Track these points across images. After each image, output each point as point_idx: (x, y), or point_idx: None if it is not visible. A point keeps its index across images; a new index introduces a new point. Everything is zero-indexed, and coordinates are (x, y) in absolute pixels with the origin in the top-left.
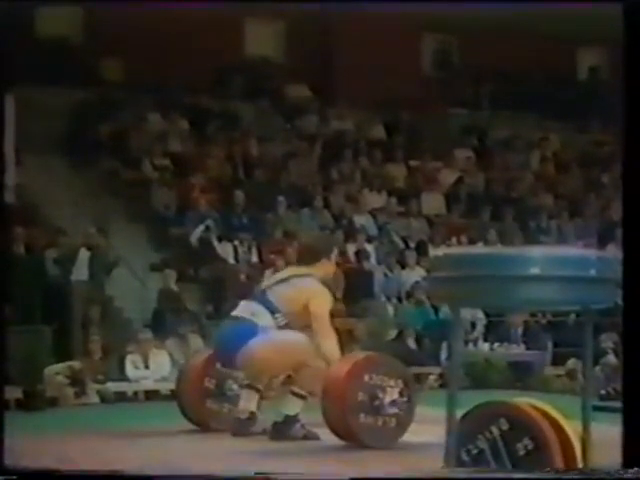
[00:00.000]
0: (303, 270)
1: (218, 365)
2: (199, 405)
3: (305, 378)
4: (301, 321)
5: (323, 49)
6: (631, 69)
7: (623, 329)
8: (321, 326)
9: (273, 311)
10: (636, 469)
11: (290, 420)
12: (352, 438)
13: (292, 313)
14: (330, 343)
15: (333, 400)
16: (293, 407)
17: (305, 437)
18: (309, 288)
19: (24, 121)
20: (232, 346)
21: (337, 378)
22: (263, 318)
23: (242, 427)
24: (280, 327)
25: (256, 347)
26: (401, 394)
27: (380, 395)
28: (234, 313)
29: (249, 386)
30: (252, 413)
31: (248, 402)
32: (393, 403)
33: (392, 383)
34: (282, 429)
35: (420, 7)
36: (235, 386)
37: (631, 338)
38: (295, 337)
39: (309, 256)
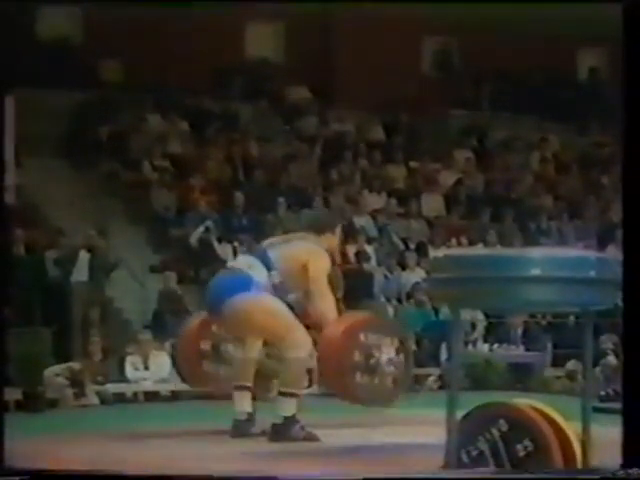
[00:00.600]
0: (307, 236)
1: (214, 327)
2: (195, 367)
3: (290, 375)
4: (296, 282)
5: (323, 50)
6: (631, 69)
7: (623, 330)
8: (318, 287)
9: (270, 268)
10: (636, 469)
11: (289, 421)
12: (349, 397)
13: (289, 273)
14: (327, 304)
15: (329, 360)
16: (288, 408)
17: (305, 439)
18: (309, 250)
19: (24, 122)
20: (222, 294)
21: (333, 338)
22: (259, 273)
23: (241, 428)
24: (275, 285)
25: (245, 301)
26: (397, 353)
27: (376, 354)
28: (231, 264)
29: (238, 387)
30: (250, 414)
31: (242, 403)
32: (389, 362)
33: (388, 342)
34: (281, 431)
35: (420, 8)
36: (231, 348)
37: (631, 339)
38: (285, 310)
39: (314, 229)
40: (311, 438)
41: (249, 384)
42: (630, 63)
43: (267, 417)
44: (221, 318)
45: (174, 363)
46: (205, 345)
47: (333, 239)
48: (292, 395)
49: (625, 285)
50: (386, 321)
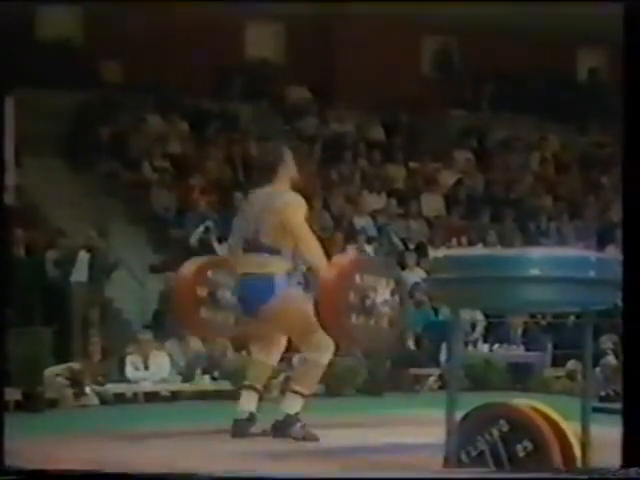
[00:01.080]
0: (270, 190)
1: (209, 273)
2: (193, 314)
3: (306, 375)
4: (288, 243)
5: (323, 50)
6: (631, 70)
7: (623, 330)
8: (300, 235)
9: (275, 251)
10: (636, 469)
11: (290, 420)
12: (346, 339)
13: (284, 240)
14: (313, 249)
15: (325, 302)
16: (293, 405)
17: (304, 438)
18: (278, 207)
19: (24, 123)
20: (252, 304)
21: (328, 280)
22: (272, 265)
23: (242, 428)
24: (293, 260)
25: (275, 306)
26: (392, 294)
27: (371, 295)
28: (243, 272)
29: (249, 387)
30: (252, 414)
31: (248, 403)
32: (385, 303)
33: (383, 283)
34: (282, 428)
35: (420, 8)
36: (228, 294)
37: (631, 339)
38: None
39: (264, 171)
40: (311, 438)
41: (259, 387)
42: (630, 63)
43: (269, 417)
44: (255, 322)
45: (172, 311)
46: (202, 291)
47: (290, 168)
48: (301, 395)
49: (625, 285)
50: (381, 262)
